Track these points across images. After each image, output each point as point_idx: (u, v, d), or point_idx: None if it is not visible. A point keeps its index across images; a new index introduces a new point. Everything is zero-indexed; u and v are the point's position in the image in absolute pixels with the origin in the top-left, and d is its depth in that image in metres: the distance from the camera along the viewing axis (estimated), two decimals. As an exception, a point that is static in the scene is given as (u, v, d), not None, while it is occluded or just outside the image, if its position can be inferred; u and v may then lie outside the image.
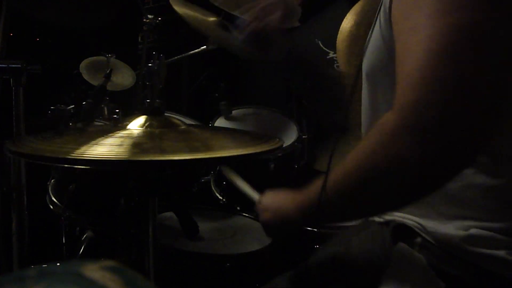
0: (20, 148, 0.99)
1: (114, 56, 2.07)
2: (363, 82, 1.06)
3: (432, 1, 0.80)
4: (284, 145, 1.98)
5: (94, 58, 2.13)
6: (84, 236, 1.70)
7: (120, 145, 0.97)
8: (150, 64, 1.20)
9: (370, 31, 0.98)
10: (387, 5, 0.91)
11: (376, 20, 0.97)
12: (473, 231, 0.91)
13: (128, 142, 0.99)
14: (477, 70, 0.77)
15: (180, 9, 1.98)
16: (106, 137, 1.01)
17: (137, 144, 1.00)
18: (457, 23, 0.78)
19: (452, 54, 0.77)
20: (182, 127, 1.13)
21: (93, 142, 0.98)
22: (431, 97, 0.76)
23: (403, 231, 0.99)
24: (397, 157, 0.79)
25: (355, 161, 0.86)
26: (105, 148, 0.95)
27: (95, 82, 1.98)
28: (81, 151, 0.93)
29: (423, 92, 0.77)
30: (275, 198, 1.09)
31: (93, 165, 1.02)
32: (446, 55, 0.77)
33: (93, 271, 0.49)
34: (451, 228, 0.92)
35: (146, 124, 1.10)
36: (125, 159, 0.92)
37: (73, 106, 1.85)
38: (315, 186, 0.94)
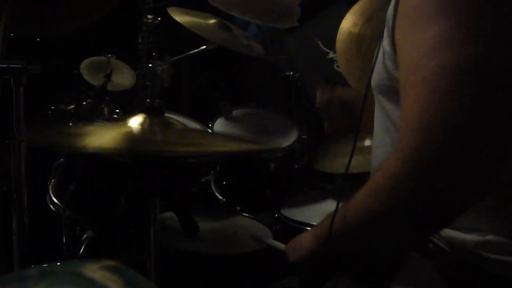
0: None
1: (114, 56, 2.07)
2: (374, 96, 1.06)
3: (428, 36, 0.79)
4: (284, 145, 1.99)
5: (94, 58, 2.13)
6: (84, 236, 1.70)
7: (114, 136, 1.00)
8: (150, 65, 1.21)
9: (378, 46, 0.96)
10: (390, 26, 0.90)
11: (382, 36, 0.95)
12: (490, 237, 0.90)
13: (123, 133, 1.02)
14: (474, 110, 0.75)
15: (179, 17, 1.98)
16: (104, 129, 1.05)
17: (130, 134, 1.02)
18: (452, 61, 0.76)
19: (448, 96, 0.76)
20: (180, 127, 1.14)
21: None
22: (430, 142, 0.76)
23: None
24: (400, 201, 0.81)
25: (363, 202, 0.87)
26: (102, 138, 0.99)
27: (95, 82, 1.98)
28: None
29: (422, 137, 0.76)
30: (298, 238, 1.10)
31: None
32: (442, 98, 0.76)
33: (93, 271, 0.49)
34: (467, 234, 0.92)
35: (144, 122, 1.11)
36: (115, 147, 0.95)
37: (73, 106, 1.85)
38: (331, 218, 0.95)
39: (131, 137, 1.02)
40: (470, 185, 0.77)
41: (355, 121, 1.31)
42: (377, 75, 0.98)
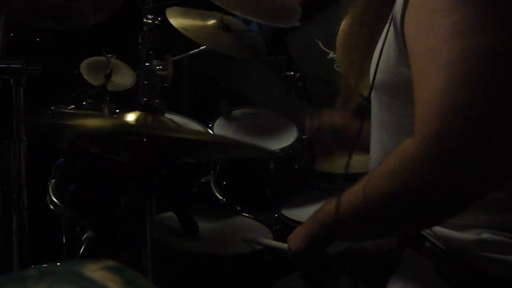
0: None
1: (114, 56, 2.07)
2: (371, 93, 1.05)
3: (448, 22, 0.78)
4: (284, 145, 1.99)
5: (94, 58, 2.13)
6: (84, 236, 1.70)
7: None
8: (147, 64, 1.21)
9: (382, 42, 0.96)
10: (398, 19, 0.89)
11: (387, 30, 0.94)
12: (485, 236, 0.90)
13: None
14: (498, 95, 0.75)
15: (177, 20, 1.99)
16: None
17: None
18: (475, 46, 0.76)
19: (472, 80, 0.75)
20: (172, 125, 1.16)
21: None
22: (452, 126, 0.75)
23: (412, 236, 0.99)
24: (417, 185, 0.79)
25: (374, 184, 0.86)
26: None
27: (95, 82, 1.98)
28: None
29: (443, 121, 0.75)
30: (298, 228, 1.11)
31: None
32: (465, 82, 0.75)
33: (93, 271, 0.49)
34: (462, 233, 0.92)
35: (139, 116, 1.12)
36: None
37: (73, 106, 1.85)
38: (334, 202, 0.95)
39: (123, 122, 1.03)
40: (490, 171, 0.76)
41: (345, 144, 1.33)
42: (379, 72, 0.98)
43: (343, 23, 1.57)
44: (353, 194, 0.90)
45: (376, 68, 0.95)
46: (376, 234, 0.97)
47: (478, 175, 0.76)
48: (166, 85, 1.22)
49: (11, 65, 1.31)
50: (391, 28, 0.92)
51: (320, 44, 2.53)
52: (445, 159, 0.75)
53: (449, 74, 0.76)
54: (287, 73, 2.28)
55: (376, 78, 0.99)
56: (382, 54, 0.95)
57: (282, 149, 1.96)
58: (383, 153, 1.02)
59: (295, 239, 1.10)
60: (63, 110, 1.72)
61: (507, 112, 0.75)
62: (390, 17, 0.94)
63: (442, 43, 0.78)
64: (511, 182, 0.88)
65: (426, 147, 0.77)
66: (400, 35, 0.89)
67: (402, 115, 0.96)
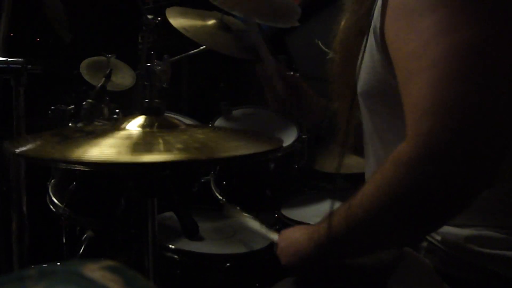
0: (20, 147, 0.96)
1: (114, 56, 2.07)
2: (360, 102, 1.04)
3: (429, 23, 0.78)
4: (284, 145, 1.98)
5: (94, 58, 2.13)
6: (84, 236, 1.70)
7: (118, 146, 0.93)
8: (148, 64, 1.21)
9: (361, 51, 0.95)
10: (378, 27, 0.89)
11: (366, 41, 0.93)
12: (483, 232, 0.90)
13: (126, 143, 0.96)
14: (490, 87, 0.74)
15: (176, 20, 1.99)
16: (105, 139, 0.97)
17: (135, 146, 0.95)
18: (459, 42, 0.75)
19: (461, 75, 0.74)
20: (182, 127, 1.12)
21: (92, 143, 0.95)
22: (443, 124, 0.74)
23: None
24: (416, 188, 0.77)
25: (371, 196, 0.83)
26: (104, 149, 0.92)
27: (95, 82, 1.98)
28: (80, 153, 0.90)
29: (434, 120, 0.74)
30: (292, 239, 1.06)
31: (91, 167, 0.97)
32: (454, 78, 0.74)
33: (93, 271, 0.49)
34: (460, 230, 0.92)
35: (145, 124, 1.08)
36: (122, 161, 0.88)
37: (73, 106, 1.85)
38: (330, 221, 0.92)
39: (131, 143, 0.96)
40: (486, 166, 0.75)
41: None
42: (366, 80, 0.97)
43: (342, 23, 1.57)
44: (350, 210, 0.87)
45: (356, 83, 0.94)
46: (377, 247, 0.93)
47: (476, 169, 0.75)
48: (164, 86, 1.22)
49: (11, 65, 1.31)
50: (373, 39, 0.91)
51: (320, 44, 2.53)
52: (440, 158, 0.74)
53: (436, 73, 0.76)
54: (287, 73, 2.27)
55: (367, 88, 0.98)
56: (368, 65, 0.94)
57: (282, 149, 1.96)
58: (378, 163, 1.01)
59: (286, 255, 1.06)
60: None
61: (500, 103, 0.74)
62: (369, 28, 0.93)
63: (423, 45, 0.78)
64: (502, 184, 0.88)
65: (420, 149, 0.75)
66: (381, 45, 0.89)
67: (395, 123, 0.93)
